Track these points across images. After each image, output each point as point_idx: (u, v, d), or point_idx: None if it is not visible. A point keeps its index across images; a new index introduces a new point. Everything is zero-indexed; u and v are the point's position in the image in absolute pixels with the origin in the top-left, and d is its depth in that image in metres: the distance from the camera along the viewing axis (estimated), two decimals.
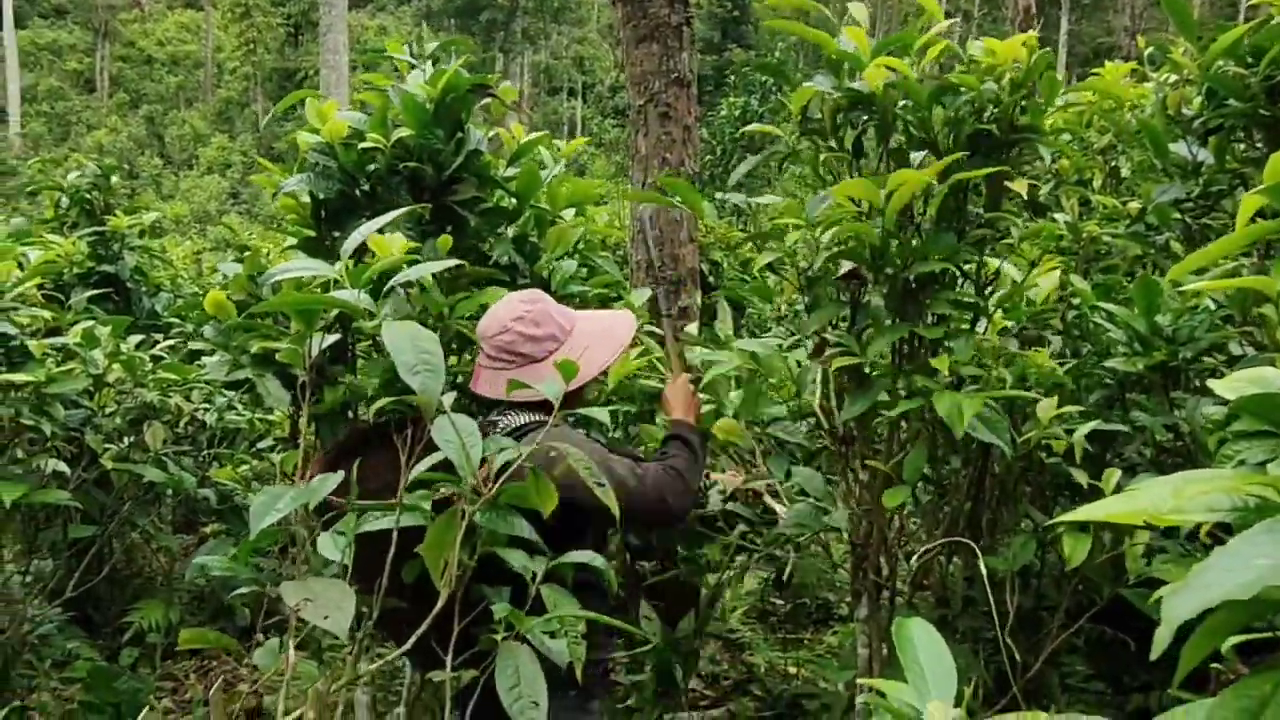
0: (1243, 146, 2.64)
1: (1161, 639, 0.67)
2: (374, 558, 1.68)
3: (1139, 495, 0.82)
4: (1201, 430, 2.07)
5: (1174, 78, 2.82)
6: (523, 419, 2.09)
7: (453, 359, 2.72)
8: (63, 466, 3.20)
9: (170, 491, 3.98)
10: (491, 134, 2.75)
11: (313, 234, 2.56)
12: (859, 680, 1.69)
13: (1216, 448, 1.07)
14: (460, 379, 2.69)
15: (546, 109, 47.49)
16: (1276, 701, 0.78)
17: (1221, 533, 0.84)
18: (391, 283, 1.66)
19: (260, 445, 4.19)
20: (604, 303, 3.29)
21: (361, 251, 2.43)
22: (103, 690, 3.43)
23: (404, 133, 2.45)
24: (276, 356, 2.15)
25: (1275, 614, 0.82)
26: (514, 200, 2.69)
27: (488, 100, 2.72)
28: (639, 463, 2.14)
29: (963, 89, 2.30)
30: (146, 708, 1.64)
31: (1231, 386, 1.02)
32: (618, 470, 2.03)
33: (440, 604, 1.58)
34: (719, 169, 15.46)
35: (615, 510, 1.66)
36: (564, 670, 1.70)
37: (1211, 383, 1.04)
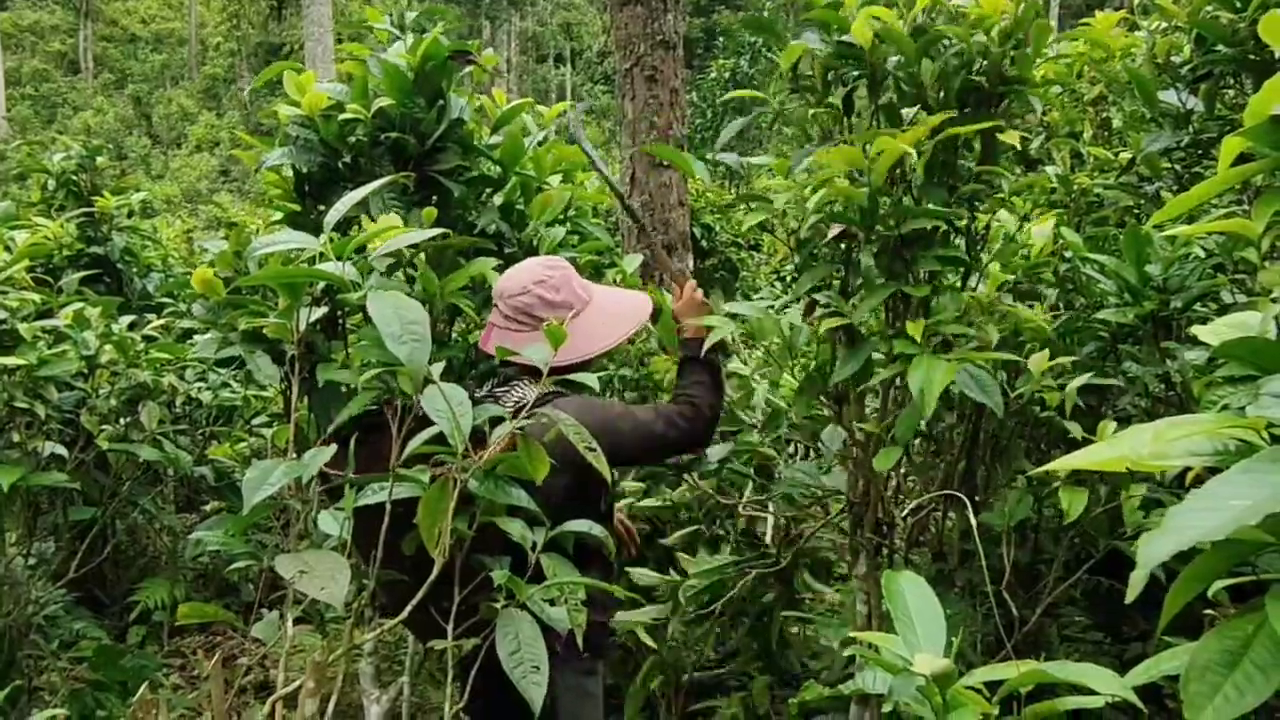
0: (1232, 93, 2.62)
1: (1137, 581, 0.67)
2: (376, 533, 1.69)
3: (1121, 442, 0.82)
4: (1191, 379, 2.07)
5: (1163, 25, 2.79)
6: (532, 392, 1.97)
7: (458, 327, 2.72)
8: (60, 449, 3.20)
9: (170, 471, 3.99)
10: (477, 104, 2.72)
11: (297, 208, 2.55)
12: (851, 634, 1.71)
13: (1202, 393, 1.07)
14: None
15: (535, 77, 47.05)
16: (1259, 642, 0.78)
17: None
18: (375, 254, 1.65)
19: (255, 422, 4.19)
20: (596, 270, 3.28)
21: (348, 224, 2.43)
22: (110, 669, 3.46)
23: (384, 102, 2.43)
24: (264, 331, 2.15)
25: (1257, 557, 0.83)
26: (498, 168, 2.67)
27: (471, 68, 2.69)
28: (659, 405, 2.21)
29: (951, 40, 2.28)
30: (146, 682, 1.65)
31: (1215, 332, 1.02)
32: (642, 416, 2.12)
33: (435, 573, 1.59)
34: (709, 132, 15.37)
35: (608, 475, 1.67)
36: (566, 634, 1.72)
37: (1195, 329, 1.04)
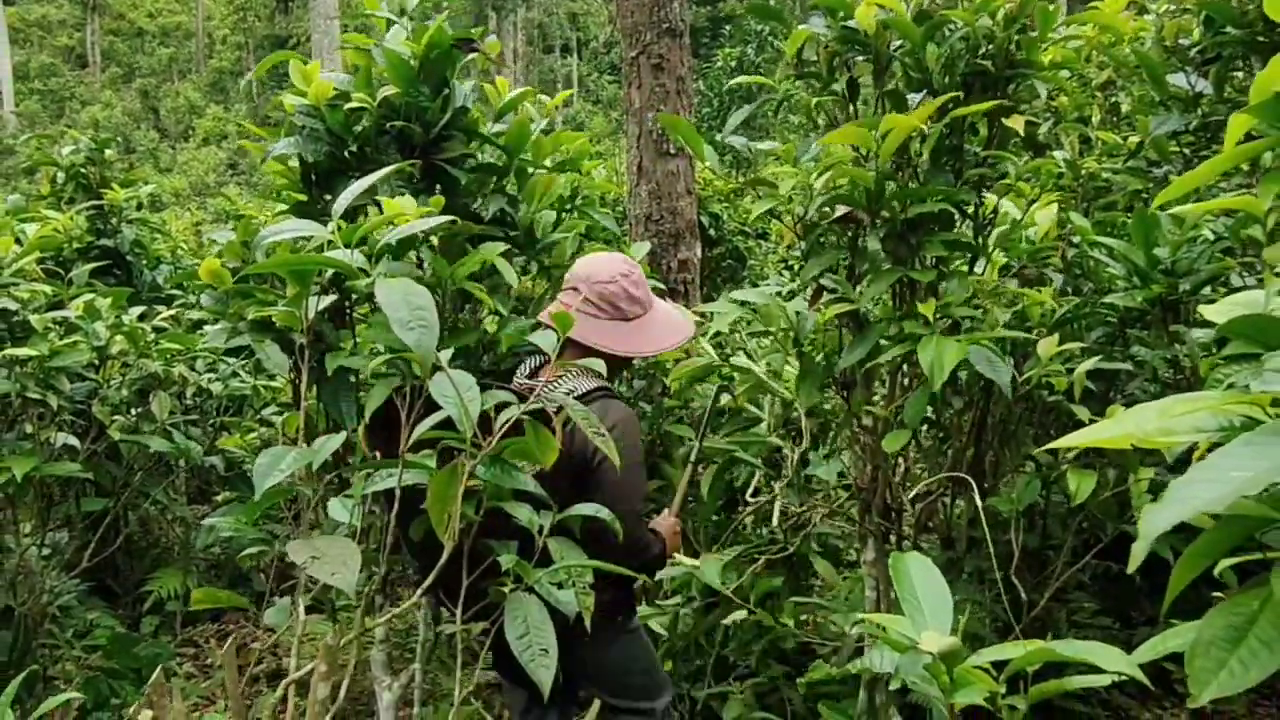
0: (1241, 75, 2.60)
1: (1139, 553, 0.67)
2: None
3: (1126, 419, 0.82)
4: (1199, 360, 2.07)
5: (1172, 8, 2.77)
6: (588, 384, 2.15)
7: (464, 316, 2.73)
8: (72, 440, 3.22)
9: (182, 462, 4.02)
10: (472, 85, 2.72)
11: (304, 198, 2.55)
12: (859, 616, 1.72)
13: (1208, 372, 1.07)
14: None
15: (541, 67, 46.95)
16: (1264, 618, 0.79)
17: None
18: (382, 241, 1.65)
19: (266, 412, 4.21)
20: None
21: (356, 212, 2.43)
22: (124, 657, 3.49)
23: (389, 91, 2.43)
24: (273, 320, 2.16)
25: (1263, 534, 0.83)
26: (504, 155, 2.67)
27: (474, 55, 2.69)
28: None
29: (956, 24, 2.27)
30: (159, 668, 1.67)
31: (1222, 310, 1.02)
32: (639, 489, 2.12)
33: (445, 556, 1.60)
34: (716, 121, 15.33)
35: (617, 461, 1.68)
36: (603, 604, 1.91)
37: (1203, 308, 1.04)
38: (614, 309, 2.22)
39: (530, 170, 2.72)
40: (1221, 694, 0.78)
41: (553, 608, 1.66)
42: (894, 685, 1.02)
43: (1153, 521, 0.63)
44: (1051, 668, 1.06)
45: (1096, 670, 1.02)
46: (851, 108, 2.51)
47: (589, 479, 2.06)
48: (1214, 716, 3.08)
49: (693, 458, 2.63)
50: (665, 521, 2.41)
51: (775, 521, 3.04)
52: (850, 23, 2.32)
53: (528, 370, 2.34)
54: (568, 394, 2.09)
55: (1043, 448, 1.10)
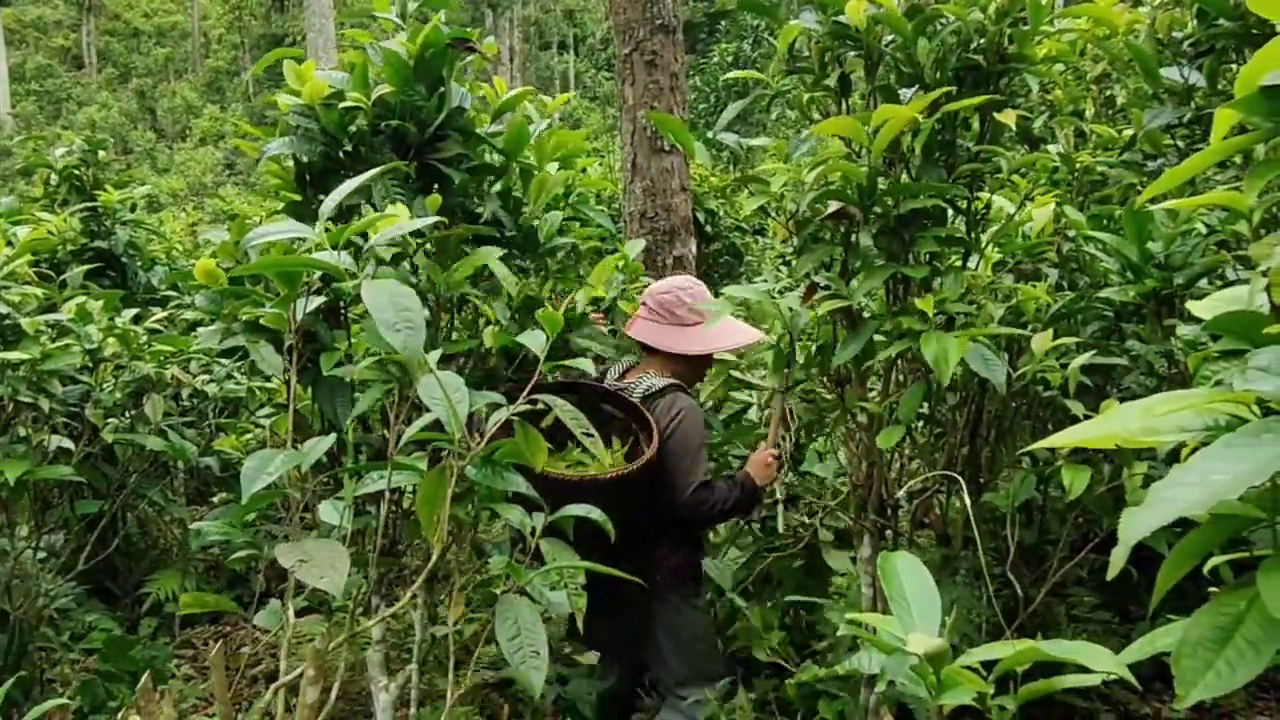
0: (1235, 67, 2.59)
1: (1118, 558, 0.67)
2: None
3: (1110, 419, 0.82)
4: (1190, 355, 2.06)
5: (1166, 0, 2.76)
6: (662, 382, 2.58)
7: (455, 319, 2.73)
8: (67, 442, 3.21)
9: (179, 464, 4.01)
10: (480, 92, 2.71)
11: (298, 198, 2.54)
12: (849, 615, 1.71)
13: (1198, 369, 1.06)
14: (455, 337, 2.69)
15: (538, 64, 46.88)
16: (1250, 618, 0.78)
17: None
18: (371, 242, 1.65)
19: (261, 413, 4.20)
20: (597, 254, 3.27)
21: (351, 212, 2.42)
22: (120, 659, 3.48)
23: (384, 90, 2.42)
24: (261, 321, 2.15)
25: (1249, 532, 0.82)
26: (500, 156, 2.66)
27: (471, 56, 2.67)
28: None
29: (948, 19, 2.26)
30: (149, 671, 1.67)
31: (1209, 306, 1.01)
32: (698, 465, 2.49)
33: (435, 558, 1.59)
34: (713, 117, 15.32)
35: (605, 459, 1.68)
36: (673, 568, 2.51)
37: (1190, 304, 1.03)
38: (670, 314, 2.63)
39: (535, 172, 2.73)
40: (1209, 695, 0.77)
41: (629, 573, 1.86)
42: (880, 687, 1.02)
43: (1133, 526, 0.62)
44: (1047, 665, 1.05)
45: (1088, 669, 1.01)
46: (845, 103, 2.50)
47: (662, 448, 2.43)
48: (1213, 709, 3.07)
49: (782, 387, 2.70)
50: (758, 456, 2.66)
51: (780, 525, 3.05)
52: (841, 18, 2.31)
53: (617, 373, 2.73)
54: (647, 389, 2.55)
55: (1027, 448, 1.09)
